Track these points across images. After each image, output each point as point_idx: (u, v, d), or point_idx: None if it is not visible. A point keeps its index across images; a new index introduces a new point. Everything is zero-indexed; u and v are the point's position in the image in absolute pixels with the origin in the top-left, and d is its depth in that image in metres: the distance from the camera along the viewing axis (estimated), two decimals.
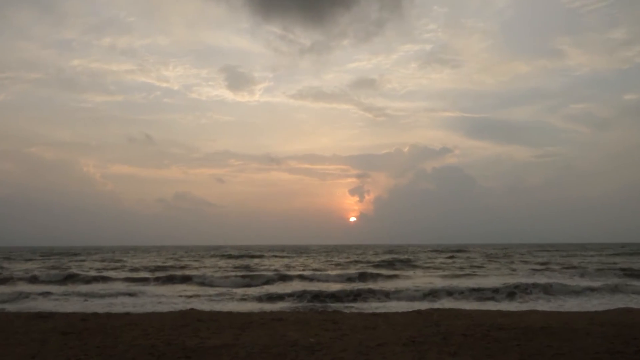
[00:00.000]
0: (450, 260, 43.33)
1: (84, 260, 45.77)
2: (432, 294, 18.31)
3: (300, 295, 17.80)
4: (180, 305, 15.50)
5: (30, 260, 47.66)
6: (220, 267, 34.45)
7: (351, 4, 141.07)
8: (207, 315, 11.68)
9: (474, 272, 29.17)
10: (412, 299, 17.28)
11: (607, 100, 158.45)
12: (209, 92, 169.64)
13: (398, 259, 44.47)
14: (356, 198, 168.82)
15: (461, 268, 32.80)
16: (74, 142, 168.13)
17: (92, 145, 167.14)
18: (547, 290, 18.68)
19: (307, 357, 7.10)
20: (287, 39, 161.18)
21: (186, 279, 24.59)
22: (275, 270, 32.12)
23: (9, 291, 19.10)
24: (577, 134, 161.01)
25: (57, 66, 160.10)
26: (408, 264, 37.96)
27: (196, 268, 34.04)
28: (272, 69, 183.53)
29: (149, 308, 15.07)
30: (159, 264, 38.41)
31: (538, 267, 33.59)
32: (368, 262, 40.58)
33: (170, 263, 39.72)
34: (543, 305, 15.92)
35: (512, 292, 18.26)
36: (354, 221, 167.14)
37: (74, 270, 30.75)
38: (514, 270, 31.14)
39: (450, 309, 13.10)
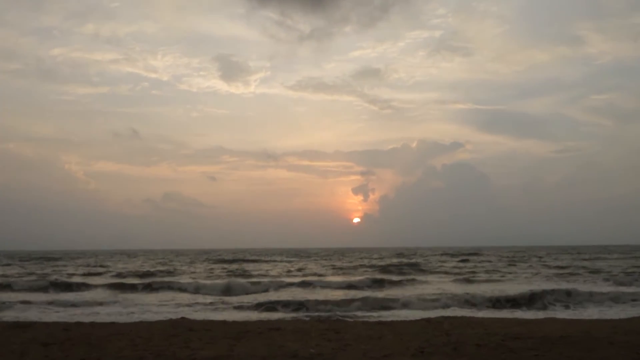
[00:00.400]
0: (462, 265, 43.38)
1: (65, 266, 45.87)
2: (443, 300, 18.33)
3: (299, 303, 17.83)
4: (170, 313, 15.53)
5: (8, 265, 47.78)
6: (213, 273, 34.51)
7: None
8: (199, 325, 11.72)
9: (488, 277, 29.22)
10: (421, 306, 17.31)
11: (632, 90, 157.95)
12: (201, 83, 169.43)
13: (406, 263, 44.48)
14: (360, 197, 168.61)
15: (474, 273, 32.85)
16: (54, 138, 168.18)
17: (74, 141, 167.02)
18: (567, 296, 18.71)
19: None
20: (285, 25, 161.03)
21: (176, 286, 24.61)
22: (272, 275, 32.18)
23: None
24: (600, 128, 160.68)
25: (36, 56, 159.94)
26: (416, 268, 38.01)
27: (187, 273, 34.10)
28: (268, 58, 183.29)
29: (136, 317, 15.09)
30: (147, 269, 38.49)
31: (557, 271, 33.64)
32: (373, 266, 40.61)
33: (159, 268, 39.80)
34: (562, 312, 15.96)
35: (529, 299, 18.29)
36: (358, 222, 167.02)
37: (55, 277, 30.83)
38: (531, 274, 31.19)
39: (462, 317, 13.14)
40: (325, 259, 57.06)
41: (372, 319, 14.00)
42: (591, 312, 15.83)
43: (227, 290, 22.85)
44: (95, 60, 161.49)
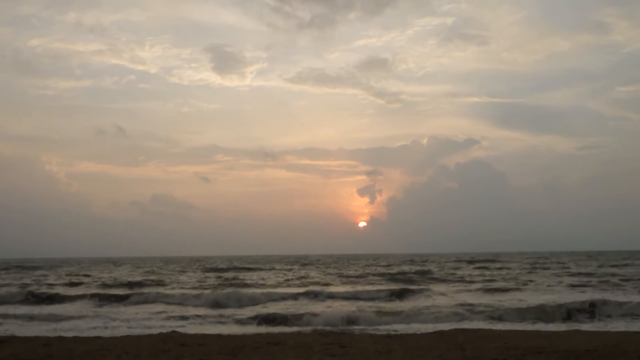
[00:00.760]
0: (478, 272, 43.33)
1: (45, 275, 45.98)
2: (458, 311, 18.33)
3: (301, 315, 17.86)
4: (160, 327, 15.56)
5: None
6: (206, 282, 34.52)
7: None
8: (192, 339, 11.75)
9: (506, 285, 29.18)
10: (433, 318, 17.31)
11: None
12: (192, 75, 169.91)
13: (417, 271, 44.42)
14: (366, 199, 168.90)
15: (491, 281, 32.82)
16: (33, 136, 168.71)
17: (54, 139, 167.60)
18: (593, 306, 18.68)
19: None
20: (283, 12, 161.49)
21: (166, 297, 24.66)
22: (271, 285, 32.20)
23: None
24: (626, 122, 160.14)
25: (13, 47, 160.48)
26: (429, 276, 37.99)
27: (178, 283, 34.13)
28: (265, 48, 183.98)
29: (123, 331, 15.13)
30: (135, 278, 38.53)
31: (582, 279, 33.58)
32: (381, 274, 40.60)
33: (147, 278, 39.81)
34: (588, 324, 15.94)
35: (552, 310, 18.27)
36: (364, 227, 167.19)
37: (34, 287, 30.89)
38: (553, 283, 31.13)
39: (478, 330, 13.15)
40: (329, 267, 57.06)
41: (380, 332, 14.01)
42: (619, 324, 15.79)
43: (222, 302, 22.83)
44: (77, 51, 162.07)
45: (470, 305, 20.06)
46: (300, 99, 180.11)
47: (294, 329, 15.63)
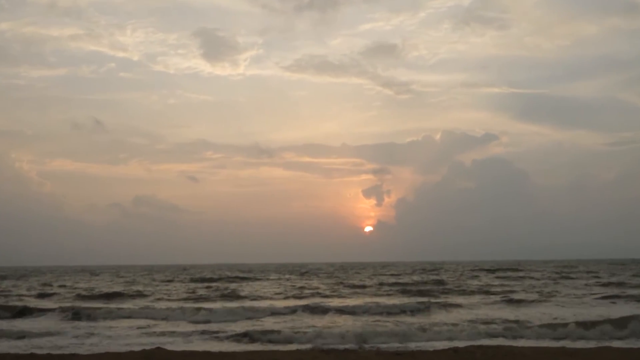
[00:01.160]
0: (497, 282, 43.35)
1: (15, 286, 46.02)
2: (474, 326, 18.36)
3: (299, 331, 17.86)
4: (143, 343, 15.57)
5: None
6: (194, 294, 34.57)
7: None
8: (178, 356, 11.77)
9: (529, 297, 29.18)
10: (448, 333, 17.31)
11: None
12: (179, 63, 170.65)
13: (430, 281, 44.47)
14: (372, 201, 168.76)
15: (512, 292, 32.82)
16: (3, 131, 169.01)
17: (25, 134, 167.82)
18: (626, 321, 18.67)
19: None
20: None
21: (150, 310, 24.70)
22: (267, 297, 32.21)
23: None
24: None
25: None
26: (442, 287, 37.97)
27: (163, 294, 34.17)
28: (260, 33, 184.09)
29: (102, 347, 15.18)
30: (115, 289, 38.57)
31: (614, 290, 33.55)
32: (389, 285, 40.65)
33: (129, 288, 39.86)
34: (619, 341, 15.93)
35: (580, 324, 18.26)
36: (370, 231, 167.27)
37: (2, 300, 30.91)
38: (581, 294, 31.14)
39: (497, 347, 13.16)
40: (331, 277, 57.05)
41: (389, 350, 14.02)
42: None
43: (212, 315, 22.88)
44: (51, 36, 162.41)
45: (489, 319, 20.11)
46: (299, 89, 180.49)
47: (292, 346, 15.63)
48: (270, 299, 31.17)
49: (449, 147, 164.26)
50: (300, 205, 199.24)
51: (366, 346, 15.39)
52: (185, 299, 31.08)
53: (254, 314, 23.40)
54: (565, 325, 18.31)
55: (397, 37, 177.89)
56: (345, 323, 20.06)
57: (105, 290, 38.35)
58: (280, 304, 27.36)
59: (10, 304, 28.24)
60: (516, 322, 19.29)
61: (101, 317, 23.08)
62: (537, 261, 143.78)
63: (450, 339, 16.54)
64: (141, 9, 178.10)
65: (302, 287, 39.41)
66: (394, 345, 15.54)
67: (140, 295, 34.41)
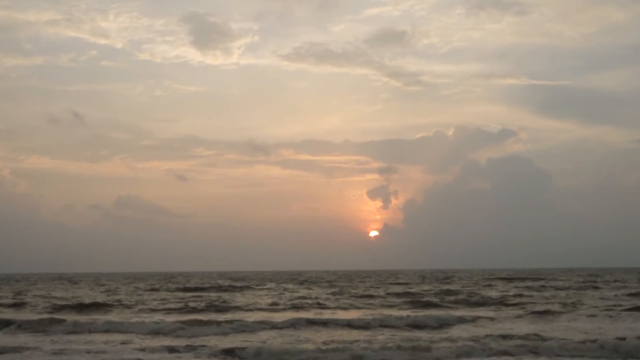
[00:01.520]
0: (516, 293, 43.18)
1: None
2: (492, 342, 18.21)
3: (297, 347, 17.79)
4: None
5: None
6: (181, 305, 34.44)
7: None
8: None
9: (552, 310, 29.03)
10: (462, 351, 17.20)
11: None
12: (167, 51, 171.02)
13: (440, 291, 44.34)
14: (378, 203, 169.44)
15: (533, 304, 32.80)
16: None
17: None
18: None
19: None
20: None
21: (132, 323, 24.57)
22: (262, 309, 32.09)
23: None
24: None
25: None
26: (455, 298, 37.83)
27: (147, 306, 34.09)
28: (256, 18, 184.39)
29: None
30: (94, 299, 38.43)
31: None
32: (398, 295, 40.64)
33: (108, 298, 39.79)
34: None
35: (610, 340, 18.16)
36: (375, 236, 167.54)
37: None
38: (610, 305, 30.98)
39: None
40: (333, 286, 57.03)
41: None
42: None
43: (201, 330, 22.80)
44: (27, 21, 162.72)
45: (511, 333, 20.02)
46: (298, 80, 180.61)
47: None
48: (266, 310, 31.10)
49: (462, 144, 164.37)
50: (298, 207, 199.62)
51: None
52: (172, 311, 30.96)
53: (246, 327, 23.31)
54: (593, 341, 18.20)
55: (406, 23, 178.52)
56: (350, 338, 19.92)
57: (85, 300, 38.20)
58: (276, 316, 27.30)
59: None
60: (538, 337, 19.15)
61: (79, 331, 23.01)
62: (557, 269, 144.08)
63: (468, 355, 16.45)
64: None
65: (300, 298, 39.36)
66: None
67: (122, 306, 34.33)
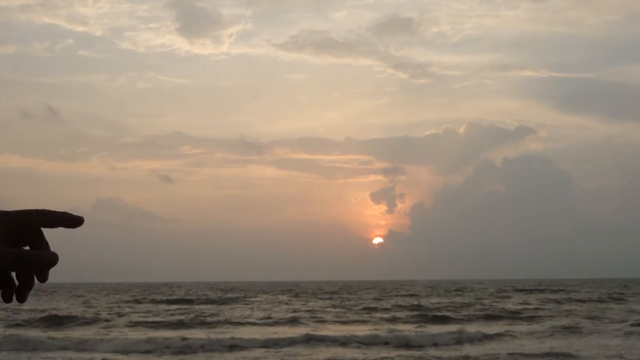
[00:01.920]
0: (536, 305, 43.02)
1: None
2: None
3: None
4: None
5: None
6: (165, 319, 34.25)
7: None
8: None
9: (578, 324, 28.87)
10: None
11: None
12: (151, 39, 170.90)
13: (452, 304, 44.16)
14: (383, 207, 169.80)
15: (555, 317, 32.71)
16: None
17: None
18: None
19: None
20: None
21: (109, 340, 24.43)
22: (255, 323, 31.88)
23: None
24: None
25: None
26: (468, 311, 37.63)
27: (126, 319, 33.86)
28: (249, 3, 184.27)
29: None
30: (67, 312, 38.16)
31: None
32: (405, 308, 40.40)
33: (82, 311, 39.55)
34: None
35: None
36: (379, 243, 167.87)
37: None
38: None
39: None
40: (333, 299, 56.97)
41: None
42: None
43: (186, 347, 22.61)
44: None
45: (531, 353, 19.80)
46: (295, 71, 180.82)
47: None
48: (259, 325, 30.92)
49: (474, 143, 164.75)
50: (295, 211, 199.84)
51: None
52: (154, 326, 30.72)
53: (238, 344, 23.12)
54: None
55: (413, 10, 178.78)
56: (350, 356, 19.66)
57: (57, 312, 37.89)
58: (269, 332, 27.13)
59: None
60: (563, 354, 19.00)
61: (48, 348, 22.72)
62: (579, 280, 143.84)
63: None
64: None
65: (297, 311, 39.28)
66: None
67: (99, 319, 34.09)
